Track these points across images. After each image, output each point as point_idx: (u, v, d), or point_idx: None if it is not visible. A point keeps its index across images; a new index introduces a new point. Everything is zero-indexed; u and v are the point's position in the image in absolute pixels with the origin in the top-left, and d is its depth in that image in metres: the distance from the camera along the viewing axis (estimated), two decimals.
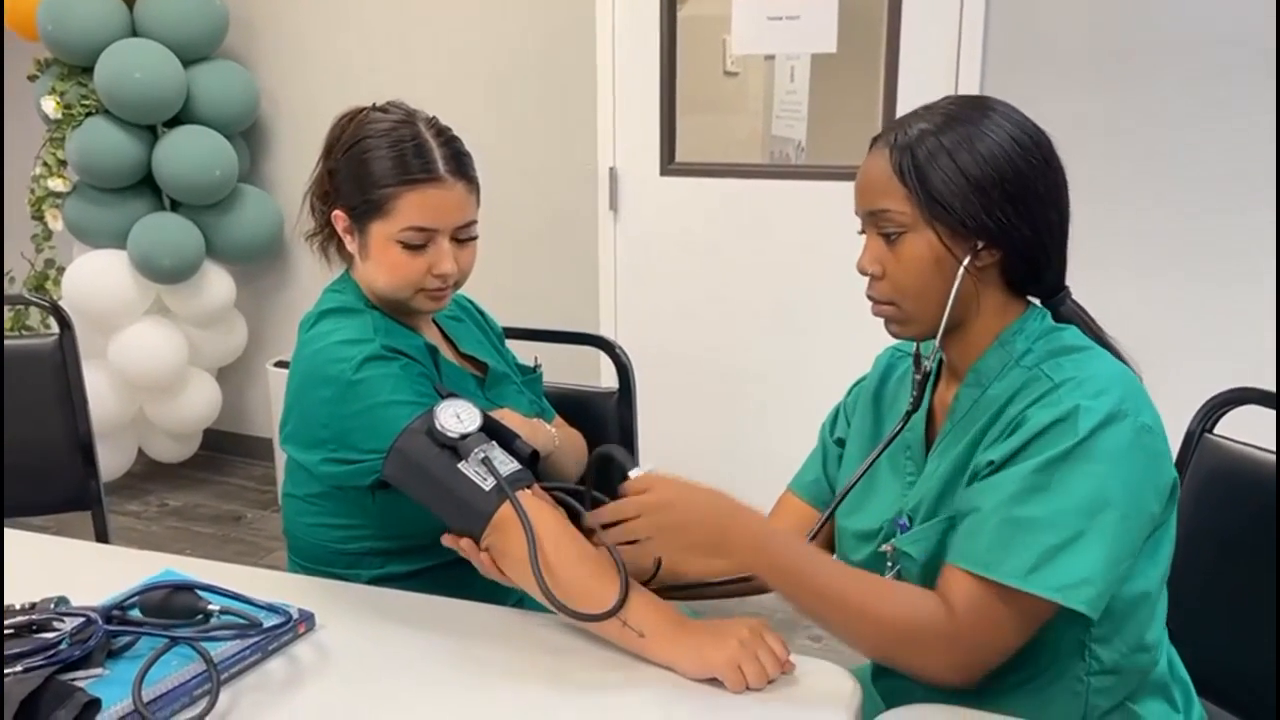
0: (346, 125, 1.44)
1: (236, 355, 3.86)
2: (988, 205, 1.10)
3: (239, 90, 3.51)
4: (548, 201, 3.35)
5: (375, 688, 1.13)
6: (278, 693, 1.12)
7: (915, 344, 1.27)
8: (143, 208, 3.45)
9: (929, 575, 1.15)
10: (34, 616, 1.11)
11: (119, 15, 3.31)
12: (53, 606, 1.14)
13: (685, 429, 3.16)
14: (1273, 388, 1.43)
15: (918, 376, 1.22)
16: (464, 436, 1.24)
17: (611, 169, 3.21)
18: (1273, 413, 1.40)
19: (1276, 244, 2.52)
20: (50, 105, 3.33)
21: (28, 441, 1.90)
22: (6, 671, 1.01)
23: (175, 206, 3.52)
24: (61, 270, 3.55)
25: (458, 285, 1.45)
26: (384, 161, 1.37)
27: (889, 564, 1.21)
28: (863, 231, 1.19)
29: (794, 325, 3.08)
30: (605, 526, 1.17)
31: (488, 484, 1.22)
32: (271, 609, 1.20)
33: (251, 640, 1.15)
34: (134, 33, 3.34)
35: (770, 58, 3.06)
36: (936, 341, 1.17)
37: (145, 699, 1.02)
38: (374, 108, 1.44)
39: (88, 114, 3.33)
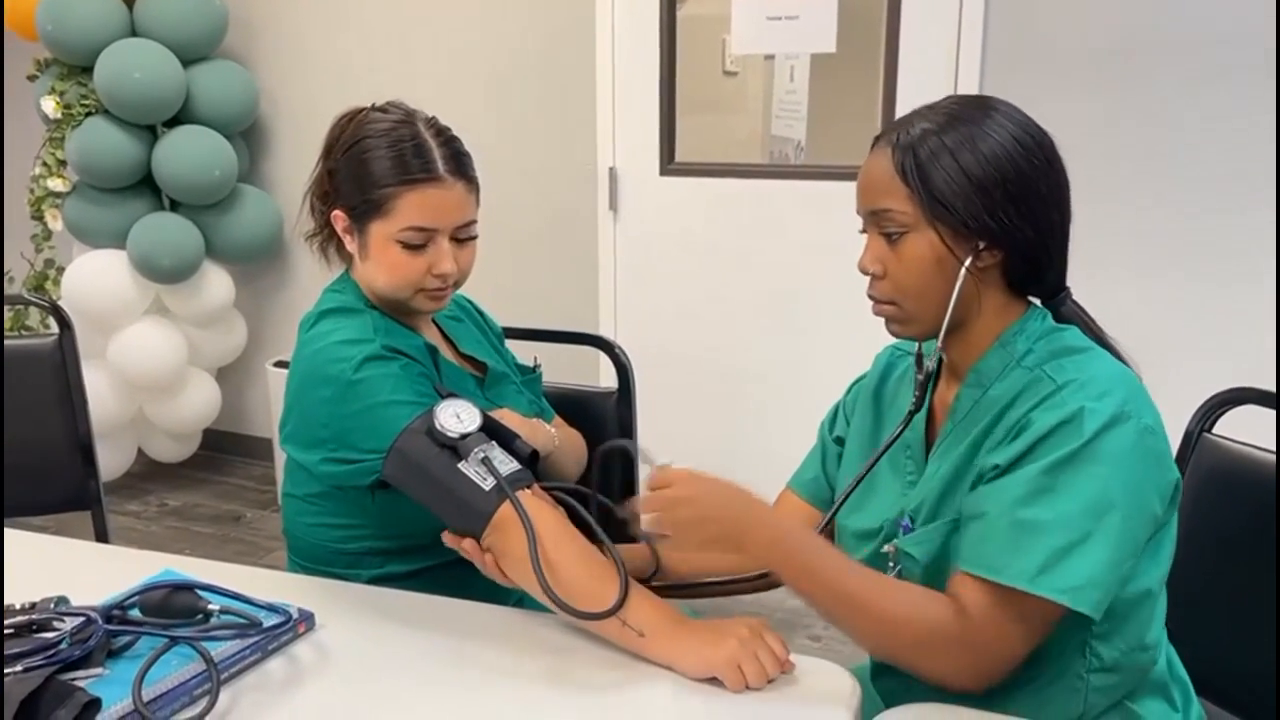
0: (346, 125, 1.44)
1: (236, 355, 3.86)
2: (990, 206, 1.10)
3: (238, 90, 3.51)
4: (547, 201, 3.35)
5: (375, 687, 1.13)
6: (278, 692, 1.12)
7: (917, 344, 1.27)
8: (142, 208, 3.45)
9: (930, 577, 1.15)
10: (34, 616, 1.11)
11: (118, 15, 3.31)
12: (53, 606, 1.14)
13: (685, 429, 3.16)
14: (1272, 387, 1.43)
15: (920, 377, 1.22)
16: (464, 436, 1.24)
17: (611, 169, 3.21)
18: (1271, 412, 1.40)
19: (1276, 244, 2.52)
20: (50, 105, 3.34)
21: (27, 441, 1.90)
22: (6, 671, 1.01)
23: (175, 206, 3.52)
24: (61, 270, 3.55)
25: (457, 285, 1.45)
26: (383, 161, 1.37)
27: (891, 564, 1.21)
28: (864, 231, 1.19)
29: (793, 325, 3.08)
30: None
31: (488, 484, 1.22)
32: (271, 609, 1.20)
33: (251, 640, 1.15)
34: (133, 33, 3.34)
35: (770, 57, 3.06)
36: (939, 341, 1.17)
37: (145, 699, 1.02)
38: (373, 108, 1.44)
39: (87, 114, 3.33)
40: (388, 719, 1.08)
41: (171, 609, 1.16)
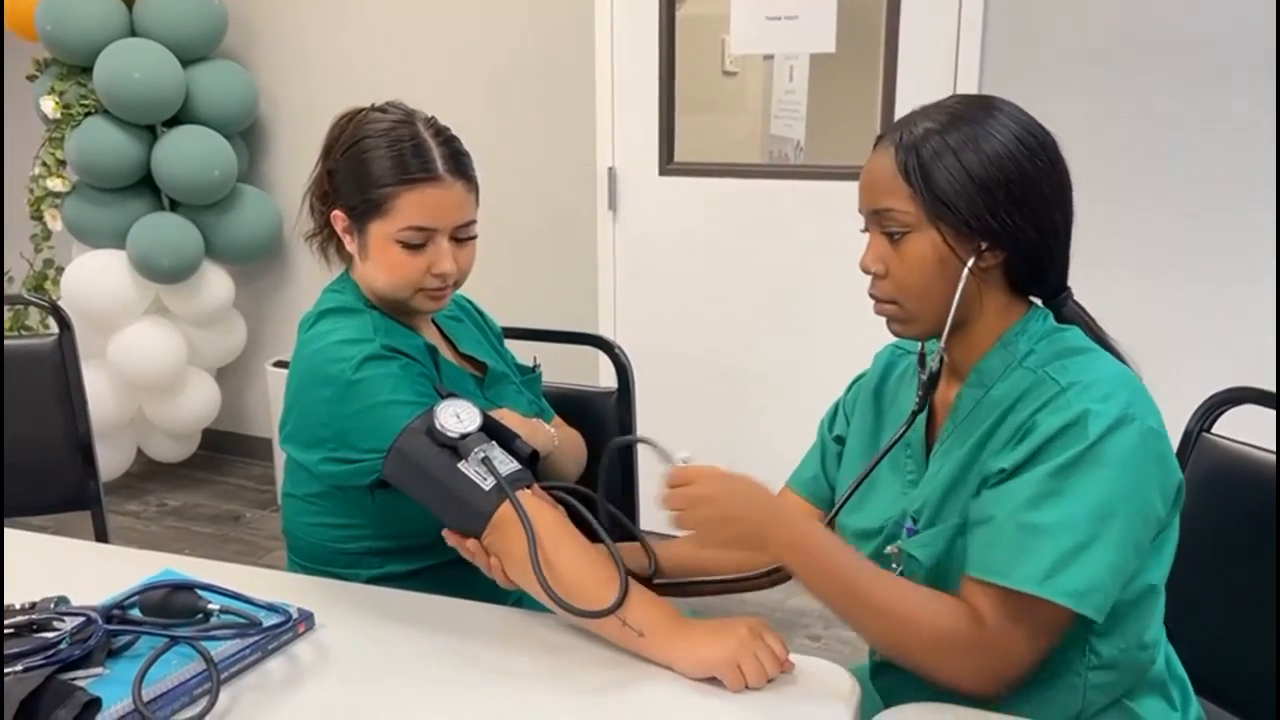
0: (345, 125, 1.44)
1: (235, 355, 3.86)
2: (993, 206, 1.10)
3: (238, 90, 3.51)
4: (547, 201, 3.35)
5: (375, 687, 1.13)
6: (277, 692, 1.12)
7: (920, 343, 1.26)
8: (142, 208, 3.45)
9: (934, 579, 1.15)
10: (34, 616, 1.11)
11: (118, 15, 3.31)
12: (53, 606, 1.15)
13: (684, 428, 3.16)
14: (1270, 387, 1.43)
15: (923, 377, 1.21)
16: (464, 436, 1.24)
17: (610, 169, 3.21)
18: (1269, 411, 1.40)
19: (1276, 244, 2.52)
20: (49, 105, 3.33)
21: (27, 441, 1.90)
22: (7, 671, 1.01)
23: (174, 206, 3.52)
24: (60, 270, 3.55)
25: (457, 285, 1.45)
26: (383, 161, 1.37)
27: (894, 566, 1.21)
28: (866, 230, 1.19)
29: (793, 325, 3.08)
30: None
31: (487, 483, 1.22)
32: (271, 608, 1.20)
33: (251, 639, 1.15)
34: (133, 32, 3.34)
35: (769, 57, 3.06)
36: (941, 341, 1.17)
37: (145, 698, 1.02)
38: (373, 108, 1.44)
39: (87, 114, 3.33)
40: (387, 719, 1.08)
41: (171, 609, 1.16)
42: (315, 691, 1.12)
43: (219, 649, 1.11)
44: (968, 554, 1.11)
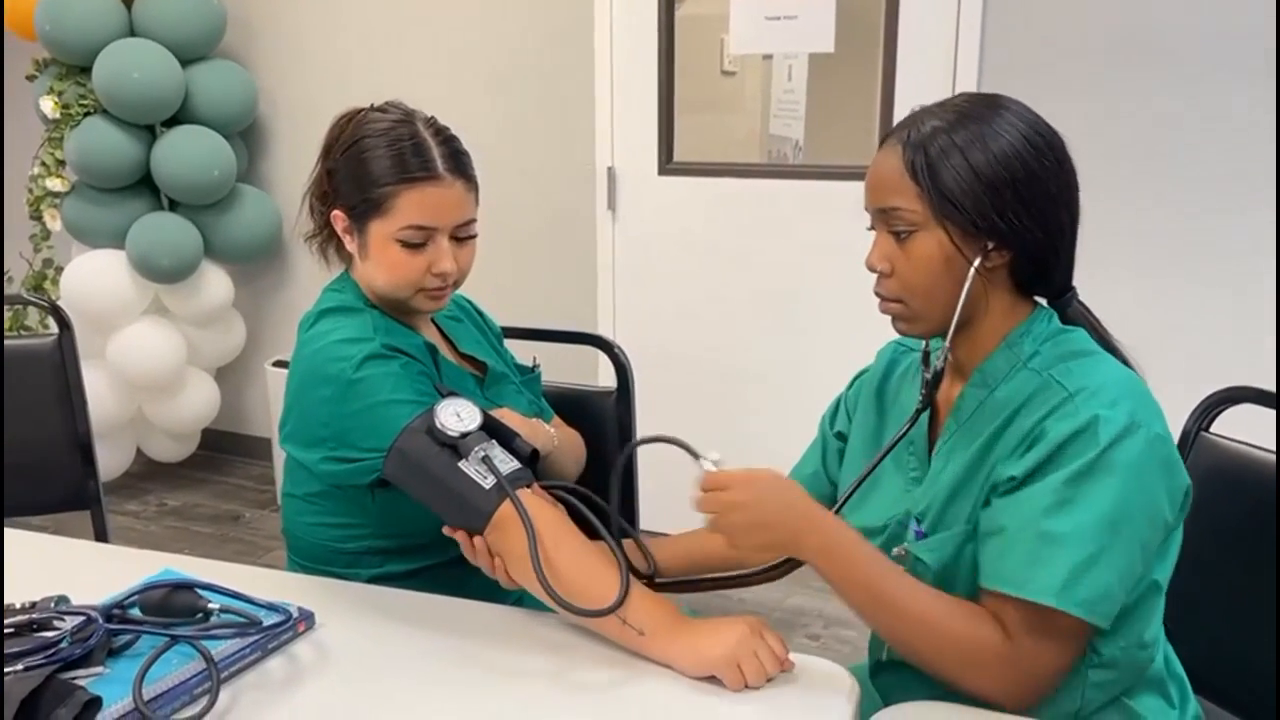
0: (345, 125, 1.44)
1: (235, 355, 3.86)
2: (999, 206, 1.10)
3: (237, 90, 3.51)
4: (546, 201, 3.35)
5: (375, 686, 1.13)
6: (278, 691, 1.12)
7: (924, 342, 1.26)
8: (141, 207, 3.45)
9: (940, 583, 1.15)
10: (34, 615, 1.11)
11: (117, 15, 3.31)
12: (53, 605, 1.15)
13: (683, 428, 3.13)
14: (1270, 387, 1.43)
15: (927, 375, 1.21)
16: (464, 435, 1.24)
17: (610, 169, 3.21)
18: (1267, 411, 1.40)
19: (1276, 244, 2.53)
20: (48, 105, 3.33)
21: (27, 441, 1.90)
22: (7, 670, 1.01)
23: (174, 206, 3.52)
24: (60, 270, 3.55)
25: (457, 284, 1.45)
26: (383, 161, 1.37)
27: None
28: (872, 228, 1.18)
29: (792, 325, 3.08)
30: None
31: (488, 482, 1.22)
32: (271, 608, 1.20)
33: (251, 639, 1.15)
34: (132, 32, 3.34)
35: (768, 57, 3.06)
36: (946, 340, 1.17)
37: (146, 697, 1.02)
38: (372, 108, 1.44)
39: (86, 114, 3.33)
40: (387, 718, 1.08)
41: (172, 608, 1.16)
42: (315, 691, 1.12)
43: (219, 648, 1.11)
44: (982, 563, 1.11)
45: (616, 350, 1.80)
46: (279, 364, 3.53)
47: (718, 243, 3.13)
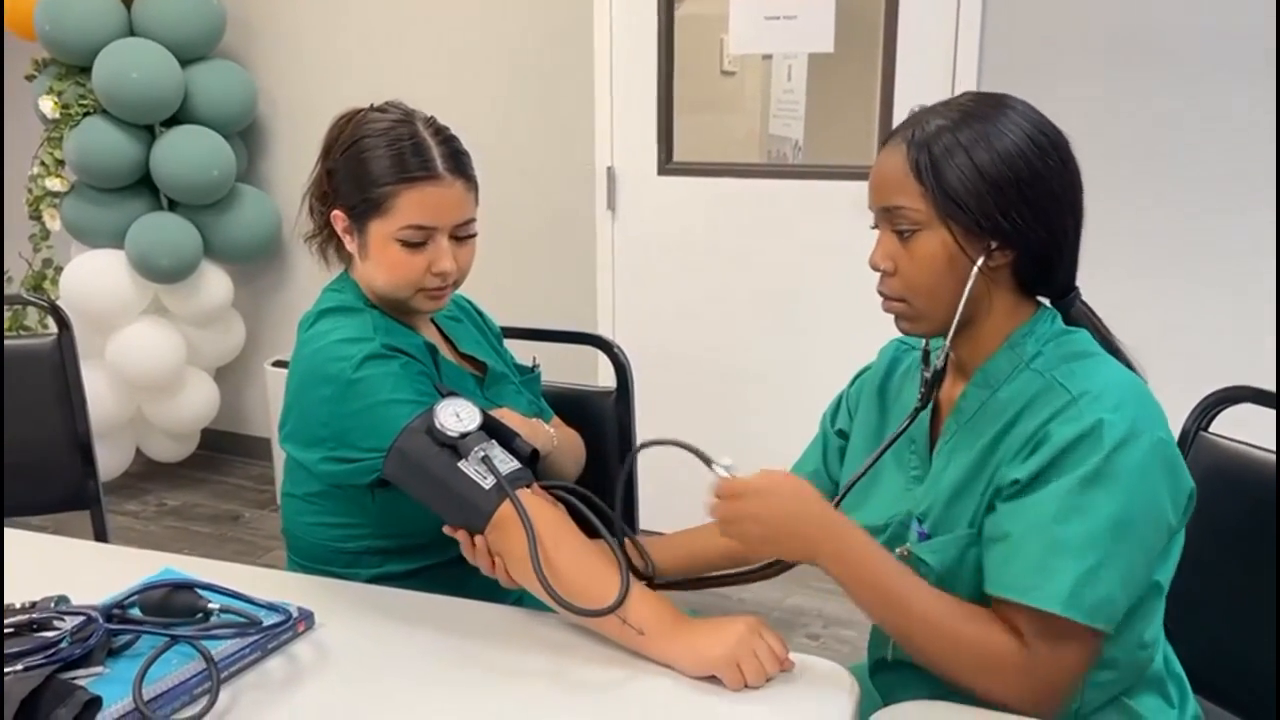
0: (345, 126, 1.44)
1: (234, 355, 3.86)
2: (1004, 206, 1.10)
3: (237, 90, 3.51)
4: (546, 201, 3.35)
5: (375, 686, 1.13)
6: (277, 691, 1.12)
7: (924, 340, 1.26)
8: (140, 207, 3.45)
9: (943, 584, 1.15)
10: (34, 615, 1.11)
11: (116, 15, 3.31)
12: (53, 605, 1.15)
13: (683, 428, 3.13)
14: (1268, 386, 1.43)
15: (927, 374, 1.21)
16: (464, 435, 1.24)
17: (609, 168, 3.21)
18: (1266, 410, 1.40)
19: (1276, 244, 2.53)
20: (48, 105, 3.33)
21: (27, 441, 1.90)
22: (7, 670, 1.01)
23: (173, 206, 3.52)
24: (59, 270, 3.55)
25: (457, 284, 1.45)
26: (382, 160, 1.37)
27: None
28: (875, 227, 1.18)
29: (792, 324, 3.08)
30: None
31: (487, 482, 1.22)
32: (271, 607, 1.20)
33: (251, 639, 1.15)
34: (131, 32, 3.34)
35: (768, 57, 3.06)
36: (947, 339, 1.16)
37: (145, 697, 1.02)
38: (372, 108, 1.44)
39: (85, 114, 3.33)
40: (387, 718, 1.08)
41: (171, 608, 1.16)
42: (315, 691, 1.12)
43: (219, 648, 1.11)
44: (988, 569, 1.11)
45: (616, 350, 1.80)
46: (278, 364, 3.53)
47: (717, 243, 3.13)
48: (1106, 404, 1.07)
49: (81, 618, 1.10)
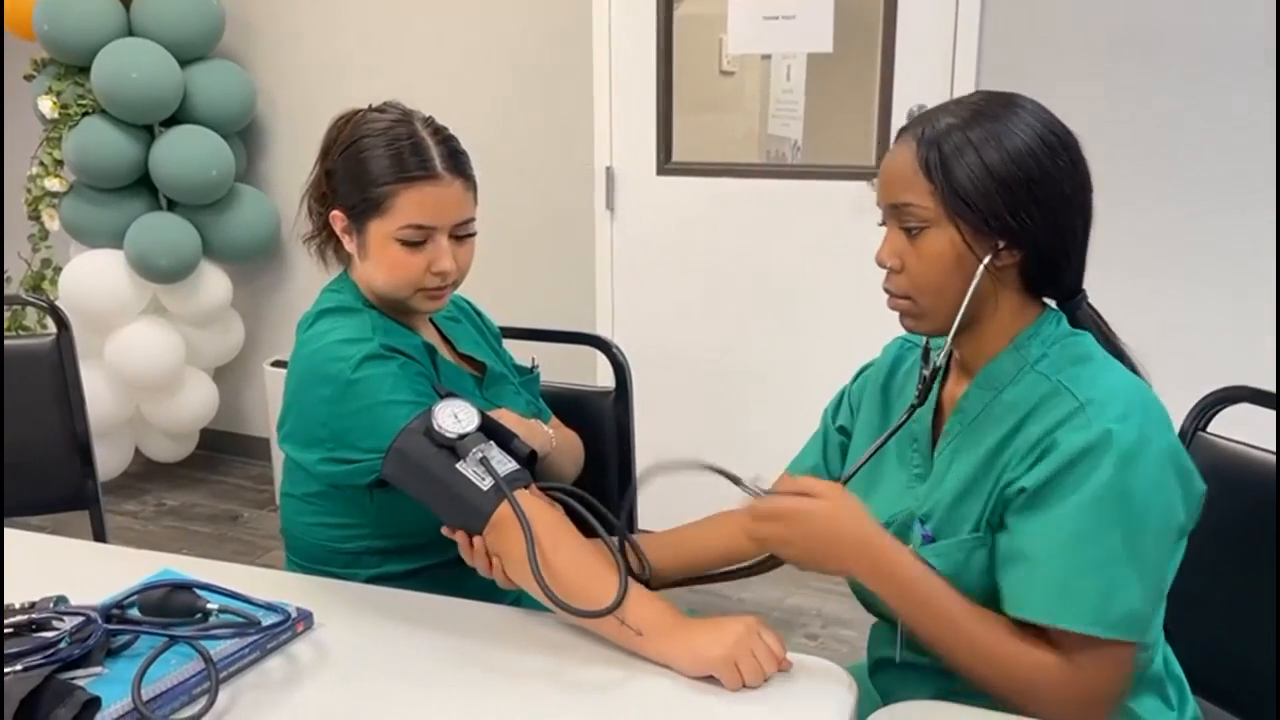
0: (343, 126, 1.44)
1: (233, 355, 3.85)
2: (1013, 205, 1.09)
3: (236, 90, 3.51)
4: (545, 201, 3.35)
5: (374, 686, 1.13)
6: (276, 691, 1.12)
7: (925, 339, 1.25)
8: (139, 207, 3.45)
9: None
10: (33, 615, 1.11)
11: (115, 15, 3.30)
12: (52, 605, 1.15)
13: (682, 428, 3.16)
14: (1268, 386, 1.43)
15: (925, 373, 1.21)
16: (462, 436, 1.24)
17: (608, 168, 3.21)
18: (1265, 410, 1.40)
19: (1277, 244, 2.53)
20: (47, 105, 3.33)
21: (25, 441, 1.90)
22: (6, 670, 1.01)
23: (172, 206, 3.51)
24: (58, 270, 3.55)
25: (456, 284, 1.45)
26: (381, 160, 1.37)
27: None
28: (883, 223, 1.18)
29: (791, 324, 3.08)
30: None
31: (486, 483, 1.22)
32: (270, 608, 1.20)
33: (250, 639, 1.15)
34: (130, 32, 3.34)
35: (766, 57, 3.06)
36: (949, 338, 1.16)
37: (144, 697, 1.02)
38: (370, 108, 1.44)
39: (84, 114, 3.33)
40: (386, 718, 1.08)
41: (170, 608, 1.16)
42: (314, 691, 1.12)
43: (218, 648, 1.11)
44: (1008, 590, 1.10)
45: (615, 350, 1.80)
46: (277, 364, 3.53)
47: (716, 243, 3.13)
48: (1113, 413, 1.06)
49: (80, 618, 1.10)
